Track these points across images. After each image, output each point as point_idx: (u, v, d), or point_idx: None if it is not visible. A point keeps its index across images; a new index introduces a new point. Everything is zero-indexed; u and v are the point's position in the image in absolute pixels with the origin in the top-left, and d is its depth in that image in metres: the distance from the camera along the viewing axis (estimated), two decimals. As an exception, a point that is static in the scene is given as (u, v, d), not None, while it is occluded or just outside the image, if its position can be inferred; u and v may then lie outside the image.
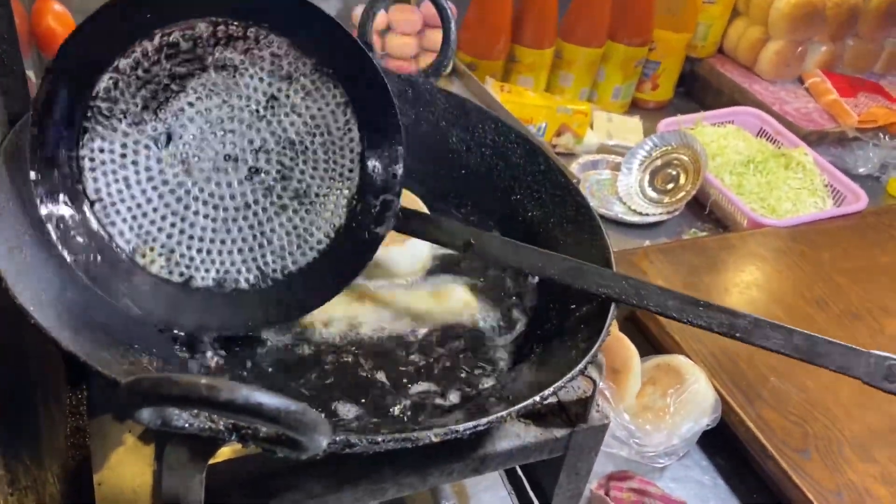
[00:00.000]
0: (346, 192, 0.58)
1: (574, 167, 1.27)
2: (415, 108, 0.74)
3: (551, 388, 0.46)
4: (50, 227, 0.49)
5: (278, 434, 0.38)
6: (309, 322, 0.59)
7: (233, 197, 0.56)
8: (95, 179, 0.52)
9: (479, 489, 0.80)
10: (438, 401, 0.56)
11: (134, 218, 0.53)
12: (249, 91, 0.55)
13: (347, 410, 0.54)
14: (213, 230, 0.56)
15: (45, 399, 0.65)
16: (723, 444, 0.86)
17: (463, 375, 0.58)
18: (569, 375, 0.47)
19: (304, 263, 0.58)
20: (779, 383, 0.88)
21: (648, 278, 1.00)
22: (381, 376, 0.56)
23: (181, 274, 0.55)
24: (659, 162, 1.25)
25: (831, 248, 1.11)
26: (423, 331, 0.60)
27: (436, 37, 1.30)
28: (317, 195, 0.58)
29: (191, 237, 0.55)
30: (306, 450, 0.37)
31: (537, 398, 0.46)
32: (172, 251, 0.55)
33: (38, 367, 0.62)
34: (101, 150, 0.52)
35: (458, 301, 0.63)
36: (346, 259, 0.58)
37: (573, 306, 0.59)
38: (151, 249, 0.54)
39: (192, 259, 0.55)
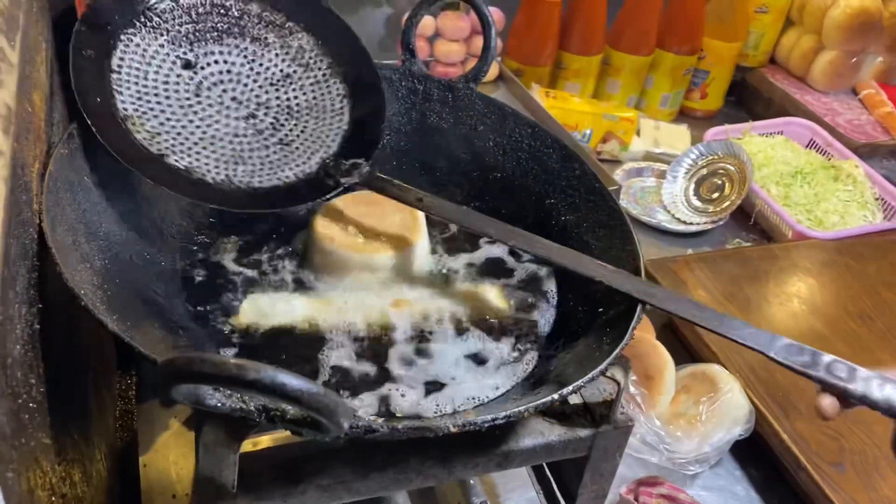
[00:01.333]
0: (323, 153, 0.66)
1: (618, 174, 1.28)
2: (454, 113, 0.76)
3: (570, 387, 0.47)
4: (72, 66, 0.57)
5: (304, 416, 0.40)
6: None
7: (227, 125, 0.65)
8: (121, 59, 0.61)
9: (508, 489, 0.82)
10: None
11: (138, 98, 0.62)
12: (271, 65, 0.67)
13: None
14: (200, 137, 0.63)
15: (97, 382, 0.69)
16: (756, 455, 0.86)
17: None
18: (588, 376, 0.48)
19: (268, 186, 0.64)
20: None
21: (688, 287, 1.00)
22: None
23: (157, 150, 0.61)
24: (704, 171, 1.25)
25: (878, 262, 1.09)
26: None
27: (483, 43, 1.32)
28: (297, 148, 0.67)
29: (178, 133, 0.63)
30: (329, 431, 0.39)
31: (556, 396, 0.47)
32: (158, 134, 0.62)
33: (91, 351, 0.66)
34: (137, 45, 0.61)
35: (491, 302, 0.65)
36: (305, 192, 0.65)
37: (600, 309, 0.60)
38: (141, 123, 0.61)
39: (170, 144, 0.62)
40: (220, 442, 0.48)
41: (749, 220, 1.24)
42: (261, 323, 0.60)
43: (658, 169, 1.30)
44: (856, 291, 1.04)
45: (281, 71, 0.67)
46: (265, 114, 0.66)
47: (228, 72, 0.65)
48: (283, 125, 0.66)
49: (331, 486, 0.52)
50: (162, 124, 0.62)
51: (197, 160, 0.62)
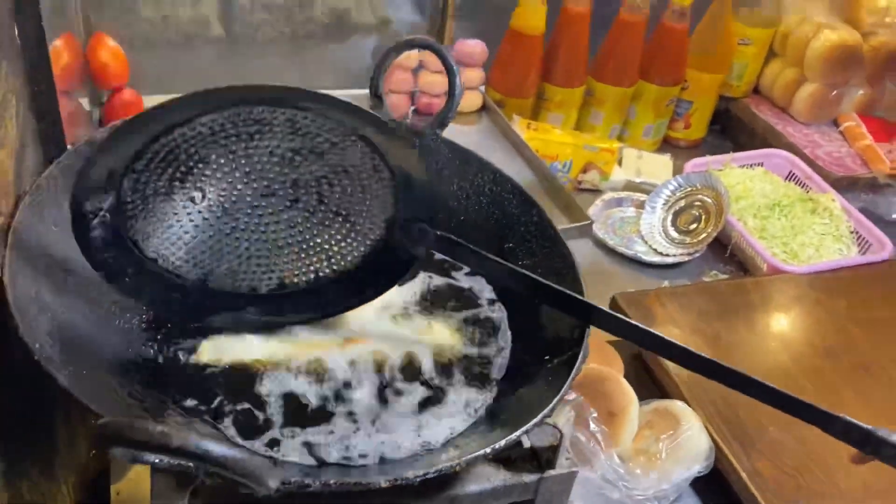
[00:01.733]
0: (384, 215, 0.64)
1: (597, 204, 1.30)
2: (420, 157, 0.78)
3: (502, 443, 0.49)
4: (124, 293, 0.57)
5: (234, 475, 0.42)
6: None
7: (278, 222, 0.62)
8: (148, 245, 0.59)
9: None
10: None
11: (196, 258, 0.60)
12: (273, 149, 0.62)
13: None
14: (268, 249, 0.62)
15: (66, 417, 0.71)
16: (718, 491, 0.88)
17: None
18: (514, 435, 0.50)
19: (343, 269, 0.63)
20: (777, 434, 0.88)
21: (657, 322, 1.02)
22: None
23: (248, 286, 0.62)
24: (682, 202, 1.27)
25: (849, 297, 1.11)
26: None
27: (468, 75, 1.35)
28: (354, 218, 0.64)
29: (248, 258, 0.62)
30: (257, 492, 0.41)
31: (488, 450, 0.49)
32: (235, 271, 0.61)
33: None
34: (146, 227, 0.58)
35: (445, 341, 0.67)
36: (379, 273, 0.64)
37: (546, 357, 0.62)
38: (219, 277, 0.61)
39: (254, 273, 0.62)
40: (170, 488, 0.50)
41: (726, 251, 1.25)
42: (221, 359, 0.62)
43: (637, 199, 1.32)
44: (825, 327, 1.05)
45: (290, 150, 0.62)
46: (305, 193, 0.63)
47: (237, 175, 0.61)
48: (326, 195, 0.63)
49: (279, 529, 0.55)
50: (234, 260, 0.62)
51: (280, 273, 0.63)
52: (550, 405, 0.53)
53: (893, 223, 1.37)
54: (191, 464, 0.43)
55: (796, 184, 1.34)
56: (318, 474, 0.47)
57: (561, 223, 1.10)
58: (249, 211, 0.62)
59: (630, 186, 1.38)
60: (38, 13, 0.63)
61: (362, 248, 0.64)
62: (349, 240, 0.64)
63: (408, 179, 0.64)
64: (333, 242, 0.64)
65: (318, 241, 0.64)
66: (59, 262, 0.58)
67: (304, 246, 0.63)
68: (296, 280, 0.63)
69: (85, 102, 1.19)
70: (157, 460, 0.43)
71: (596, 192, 1.35)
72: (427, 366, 0.64)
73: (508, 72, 1.35)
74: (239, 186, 0.61)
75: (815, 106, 1.45)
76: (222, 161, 0.60)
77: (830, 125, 1.49)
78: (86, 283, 0.60)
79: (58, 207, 0.60)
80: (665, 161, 1.45)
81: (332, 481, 0.45)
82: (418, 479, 0.47)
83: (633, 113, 1.45)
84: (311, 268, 0.64)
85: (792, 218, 1.26)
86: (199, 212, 0.60)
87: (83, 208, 0.56)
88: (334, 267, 0.64)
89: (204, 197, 0.60)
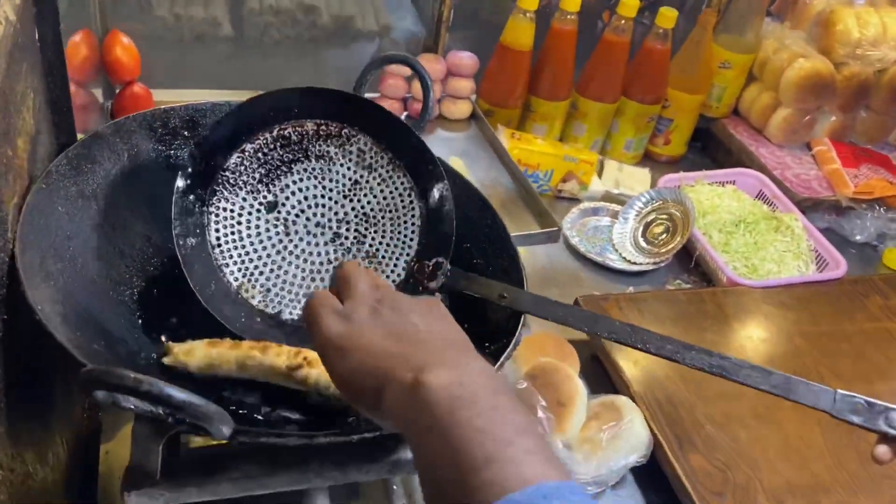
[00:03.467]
0: (405, 255, 0.73)
1: (574, 212, 1.38)
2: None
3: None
4: (182, 259, 0.65)
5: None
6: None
7: (319, 255, 0.72)
8: (217, 230, 0.68)
9: (426, 495, 0.92)
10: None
11: (242, 262, 0.69)
12: (339, 176, 0.73)
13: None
14: (302, 278, 0.71)
15: (65, 374, 0.79)
16: (658, 482, 0.95)
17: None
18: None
19: None
20: (713, 431, 0.96)
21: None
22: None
23: (274, 308, 0.70)
24: (653, 215, 1.35)
25: (799, 311, 1.18)
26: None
27: (459, 84, 1.44)
28: (383, 256, 0.73)
29: (284, 282, 0.70)
30: (214, 435, 0.49)
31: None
32: (269, 290, 0.70)
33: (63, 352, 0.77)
34: (224, 209, 0.69)
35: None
36: None
37: (486, 343, 0.70)
38: (252, 287, 0.69)
39: (282, 298, 0.70)
40: (146, 436, 0.59)
41: (691, 263, 1.33)
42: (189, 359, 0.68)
43: (613, 209, 1.40)
44: (772, 337, 1.13)
45: (350, 179, 0.73)
46: (347, 229, 0.72)
47: (305, 198, 0.72)
48: (365, 236, 0.73)
49: (240, 479, 0.63)
50: (269, 279, 0.70)
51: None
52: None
53: (857, 244, 1.44)
54: (160, 410, 0.52)
55: (764, 202, 1.42)
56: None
57: (532, 228, 1.18)
58: (301, 237, 0.71)
59: (608, 197, 1.46)
60: (56, 19, 0.71)
61: None
62: None
63: (432, 213, 0.73)
64: None
65: None
66: (64, 239, 0.67)
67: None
68: None
69: (99, 94, 1.28)
70: (132, 406, 0.52)
71: (575, 200, 1.43)
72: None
73: (497, 84, 1.43)
74: (305, 208, 0.71)
75: (788, 129, 1.52)
76: (303, 175, 0.71)
77: (804, 148, 1.57)
78: (87, 260, 0.68)
79: (65, 191, 0.68)
80: (644, 174, 1.53)
81: (281, 433, 0.53)
82: (355, 439, 0.55)
83: (616, 127, 1.53)
84: None
85: (755, 234, 1.33)
86: (267, 221, 0.70)
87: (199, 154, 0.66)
88: None
89: (275, 208, 0.70)
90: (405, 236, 0.73)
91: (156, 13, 1.53)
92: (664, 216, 1.33)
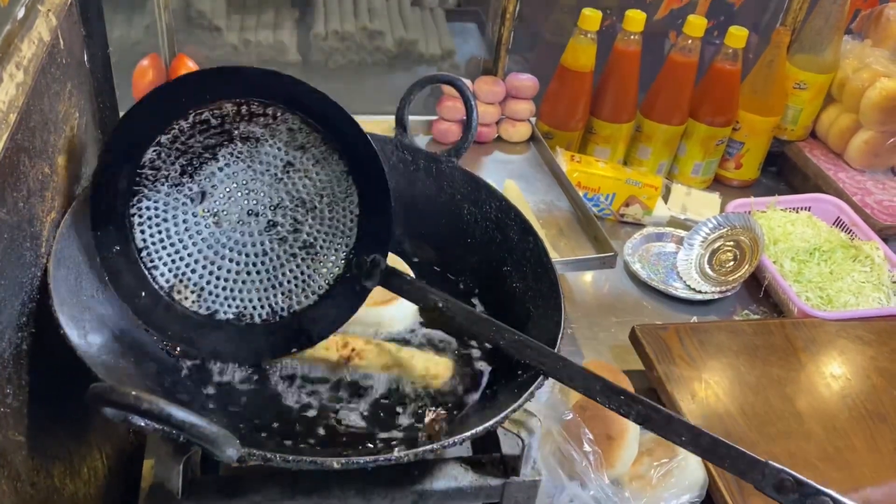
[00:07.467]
0: (344, 247, 0.70)
1: (636, 237, 1.33)
2: (438, 182, 0.85)
3: (438, 444, 0.55)
4: (105, 271, 0.64)
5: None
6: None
7: (253, 245, 0.69)
8: (142, 231, 0.66)
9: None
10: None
11: (173, 262, 0.67)
12: (269, 158, 0.68)
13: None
14: (237, 272, 0.69)
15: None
16: (713, 524, 0.90)
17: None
18: (468, 433, 0.56)
19: (305, 305, 0.70)
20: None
21: (672, 355, 1.04)
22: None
23: (208, 308, 0.68)
24: (720, 241, 1.28)
25: (878, 347, 1.10)
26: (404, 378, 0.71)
27: (518, 107, 1.42)
28: (321, 247, 0.70)
29: (217, 277, 0.68)
30: (219, 458, 0.48)
31: (436, 446, 0.55)
32: (202, 289, 0.68)
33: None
34: (147, 209, 0.66)
35: (438, 360, 0.73)
36: (340, 305, 0.69)
37: (519, 371, 0.67)
38: (185, 287, 0.68)
39: (217, 296, 0.68)
40: (166, 455, 0.58)
41: (760, 292, 1.26)
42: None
43: (678, 235, 1.35)
44: (846, 374, 1.05)
45: (281, 160, 0.68)
46: (283, 216, 0.68)
47: (235, 185, 0.67)
48: (301, 223, 0.69)
49: (262, 502, 0.62)
50: (202, 276, 0.67)
51: (241, 302, 0.68)
52: (502, 414, 0.58)
53: (946, 276, 1.34)
54: (165, 428, 0.51)
55: (842, 230, 1.34)
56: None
57: (587, 252, 1.14)
58: (234, 228, 0.68)
59: (674, 222, 1.40)
60: (105, 42, 0.73)
61: (319, 287, 0.69)
62: (309, 277, 0.69)
63: (370, 199, 0.68)
64: (294, 279, 0.69)
65: (281, 275, 0.69)
66: (94, 256, 0.67)
67: (269, 278, 0.69)
68: (253, 313, 0.68)
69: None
70: (145, 424, 0.51)
71: (639, 225, 1.38)
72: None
73: (558, 106, 1.41)
74: (236, 196, 0.67)
75: (869, 153, 1.44)
76: (229, 160, 0.66)
77: (887, 173, 1.47)
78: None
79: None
80: (713, 199, 1.47)
81: (290, 458, 0.52)
82: (370, 465, 0.53)
83: (683, 150, 1.48)
84: (269, 303, 0.69)
85: (831, 264, 1.26)
86: (195, 214, 0.66)
87: (105, 171, 0.62)
88: (293, 308, 0.69)
89: (204, 198, 0.66)
90: (343, 224, 0.68)
91: (226, 40, 1.57)
92: (731, 243, 1.27)
